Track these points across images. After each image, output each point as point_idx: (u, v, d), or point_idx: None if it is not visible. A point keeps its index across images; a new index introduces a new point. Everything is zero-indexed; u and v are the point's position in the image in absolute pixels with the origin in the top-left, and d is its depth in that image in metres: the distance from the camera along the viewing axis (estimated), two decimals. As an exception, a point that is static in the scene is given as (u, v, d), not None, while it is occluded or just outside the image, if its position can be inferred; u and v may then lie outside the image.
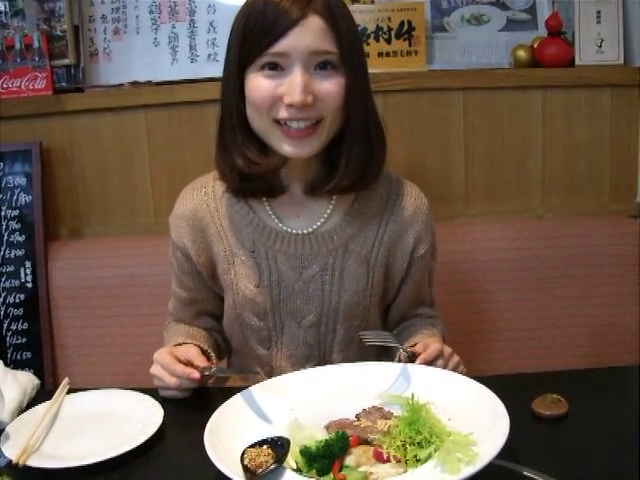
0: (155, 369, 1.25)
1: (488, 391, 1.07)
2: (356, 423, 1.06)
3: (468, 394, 1.09)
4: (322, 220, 1.35)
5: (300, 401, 1.12)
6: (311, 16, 1.17)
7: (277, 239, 1.34)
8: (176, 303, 1.48)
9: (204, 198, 1.38)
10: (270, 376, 1.39)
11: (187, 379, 1.20)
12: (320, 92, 1.21)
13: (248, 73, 1.22)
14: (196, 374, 1.19)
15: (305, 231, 1.34)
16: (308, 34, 1.17)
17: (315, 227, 1.35)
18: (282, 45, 1.17)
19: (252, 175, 1.28)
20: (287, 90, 1.19)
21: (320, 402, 1.13)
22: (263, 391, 1.14)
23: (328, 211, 1.35)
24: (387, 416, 1.07)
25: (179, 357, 1.24)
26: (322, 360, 1.39)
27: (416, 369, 1.18)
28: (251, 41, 1.19)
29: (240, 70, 1.23)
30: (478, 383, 1.10)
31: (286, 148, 1.24)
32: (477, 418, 1.01)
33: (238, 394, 1.13)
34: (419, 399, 1.05)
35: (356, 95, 1.23)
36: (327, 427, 1.07)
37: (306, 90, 1.18)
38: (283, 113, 1.21)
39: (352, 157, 1.27)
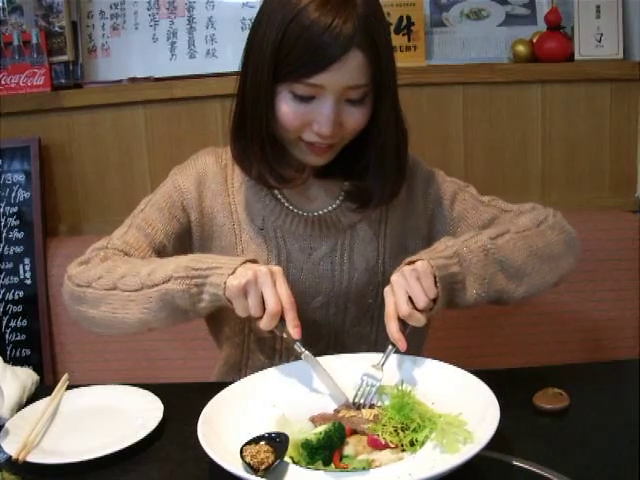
0: (264, 279, 1.09)
1: (461, 370, 1.09)
2: (340, 414, 1.06)
3: (443, 377, 1.10)
4: (335, 205, 1.35)
5: (281, 397, 1.11)
6: (353, 51, 1.13)
7: (287, 219, 1.33)
8: (135, 235, 1.33)
9: (222, 164, 1.38)
10: (272, 358, 1.38)
11: (285, 327, 1.10)
12: (348, 122, 1.21)
13: (278, 88, 1.19)
14: (298, 331, 1.10)
15: (316, 213, 1.35)
16: (347, 71, 1.14)
17: (326, 211, 1.35)
18: (319, 79, 1.14)
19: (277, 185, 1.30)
20: (317, 119, 1.19)
21: (300, 396, 1.12)
22: (244, 388, 1.13)
23: (341, 197, 1.35)
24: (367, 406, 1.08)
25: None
26: (332, 339, 1.37)
27: (390, 358, 1.16)
28: (287, 62, 1.15)
29: (272, 80, 1.19)
30: (450, 365, 1.11)
31: (308, 159, 1.27)
32: (459, 398, 1.03)
33: (221, 392, 1.10)
34: (399, 386, 1.07)
35: (388, 108, 1.23)
36: (312, 420, 1.06)
37: (335, 122, 1.19)
38: (309, 137, 1.22)
39: (384, 171, 1.28)
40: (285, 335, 1.12)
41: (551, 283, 1.28)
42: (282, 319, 1.11)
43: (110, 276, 1.22)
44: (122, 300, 1.20)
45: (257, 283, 1.09)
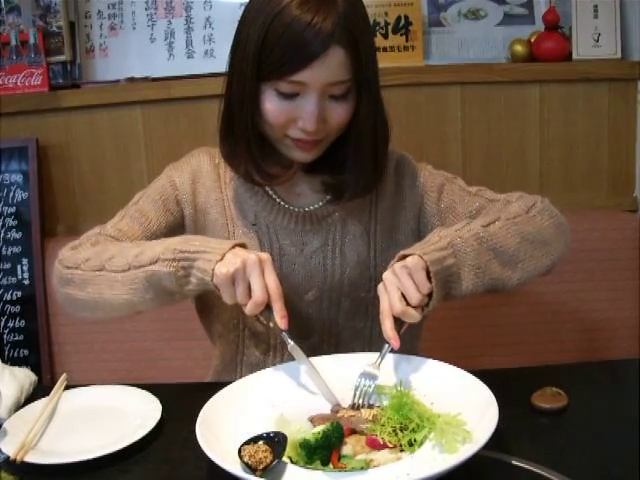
0: (252, 267, 1.09)
1: (460, 370, 1.09)
2: (340, 414, 1.06)
3: (442, 377, 1.10)
4: (325, 200, 1.35)
5: (280, 397, 1.11)
6: (333, 48, 1.14)
7: (279, 214, 1.35)
8: (129, 224, 1.34)
9: (216, 162, 1.40)
10: (266, 354, 1.38)
11: (274, 317, 1.10)
12: (332, 118, 1.22)
13: (262, 86, 1.21)
14: (285, 321, 1.11)
15: (306, 209, 1.36)
16: (329, 67, 1.16)
17: (316, 206, 1.36)
18: (302, 76, 1.16)
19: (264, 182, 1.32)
20: (301, 115, 1.20)
21: (299, 396, 1.12)
22: (243, 388, 1.13)
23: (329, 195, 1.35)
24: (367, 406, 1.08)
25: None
26: (326, 333, 1.37)
27: (387, 358, 1.15)
28: (269, 61, 1.17)
29: (257, 79, 1.20)
30: (449, 365, 1.11)
31: (295, 155, 1.28)
32: (458, 398, 1.03)
33: (220, 392, 1.10)
34: (398, 386, 1.07)
35: (367, 104, 1.24)
36: (311, 420, 1.06)
37: (319, 118, 1.20)
38: (295, 133, 1.23)
39: (359, 165, 1.28)
40: (272, 324, 1.12)
41: (544, 268, 1.26)
42: (271, 308, 1.11)
43: (99, 258, 1.23)
44: (109, 281, 1.20)
45: (245, 272, 1.10)
